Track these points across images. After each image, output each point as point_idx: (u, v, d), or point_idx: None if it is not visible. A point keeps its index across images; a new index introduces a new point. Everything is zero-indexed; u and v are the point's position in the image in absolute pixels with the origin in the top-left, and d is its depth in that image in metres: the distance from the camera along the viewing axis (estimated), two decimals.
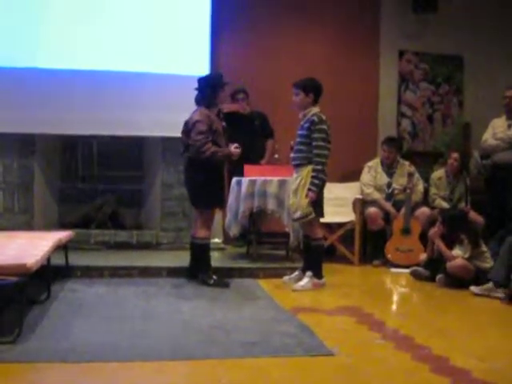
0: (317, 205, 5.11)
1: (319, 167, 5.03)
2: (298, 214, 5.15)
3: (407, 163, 6.87)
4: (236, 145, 5.28)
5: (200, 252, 5.29)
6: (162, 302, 4.58)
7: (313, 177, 5.02)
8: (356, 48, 7.73)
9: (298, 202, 5.12)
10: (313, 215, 5.11)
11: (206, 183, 5.20)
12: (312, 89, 5.15)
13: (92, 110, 6.28)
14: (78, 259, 5.54)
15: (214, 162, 5.19)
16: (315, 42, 7.60)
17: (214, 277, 5.19)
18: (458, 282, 5.30)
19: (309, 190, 5.02)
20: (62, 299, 4.53)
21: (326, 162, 5.08)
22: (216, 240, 6.77)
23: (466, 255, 5.34)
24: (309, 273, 5.17)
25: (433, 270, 5.57)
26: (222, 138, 5.26)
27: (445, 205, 6.70)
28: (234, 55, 7.27)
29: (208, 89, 5.24)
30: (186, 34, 6.54)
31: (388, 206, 6.64)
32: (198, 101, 5.29)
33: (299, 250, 5.97)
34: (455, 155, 6.85)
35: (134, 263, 5.61)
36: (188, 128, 5.19)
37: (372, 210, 6.58)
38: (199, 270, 5.26)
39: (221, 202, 5.46)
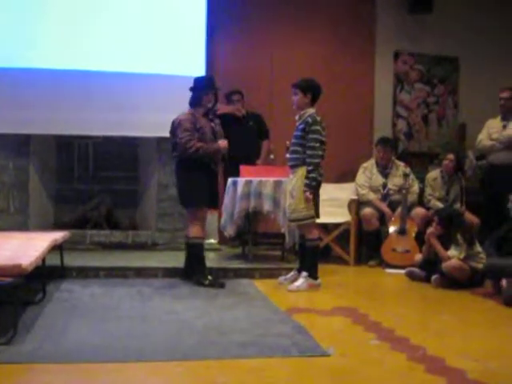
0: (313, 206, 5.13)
1: (310, 168, 5.04)
2: (294, 216, 5.16)
3: (402, 164, 6.87)
4: (223, 140, 5.33)
5: (193, 251, 5.31)
6: (157, 302, 4.58)
7: (306, 177, 5.04)
8: (352, 49, 7.74)
9: (294, 203, 5.13)
10: (311, 220, 5.13)
11: (193, 181, 5.25)
12: (311, 89, 5.16)
13: (87, 110, 6.29)
14: (73, 260, 5.53)
15: (202, 160, 5.21)
16: (311, 43, 7.60)
17: (209, 277, 5.20)
18: (454, 282, 5.32)
19: (304, 191, 5.04)
20: (57, 300, 4.52)
21: (320, 162, 5.09)
22: (212, 240, 6.78)
23: (462, 256, 5.35)
24: (304, 273, 5.17)
25: (428, 270, 5.58)
26: (207, 136, 5.27)
27: (440, 205, 6.71)
28: (230, 56, 7.27)
29: (195, 90, 5.33)
30: (182, 35, 6.54)
31: (383, 206, 6.65)
32: (189, 101, 5.38)
33: (295, 251, 5.98)
34: (450, 156, 6.86)
35: (129, 264, 5.61)
36: (174, 127, 5.28)
37: (367, 210, 6.59)
38: (193, 270, 5.26)
39: (211, 201, 5.42)
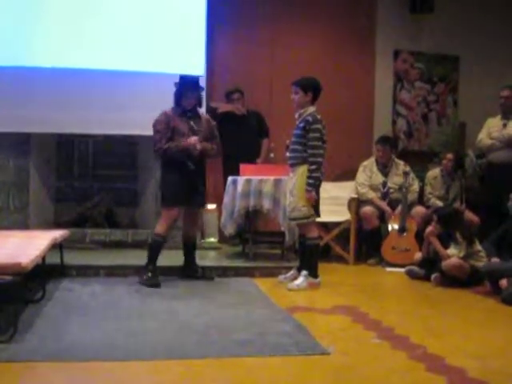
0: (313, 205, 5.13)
1: (314, 167, 5.04)
2: (294, 214, 5.16)
3: (402, 162, 6.87)
4: (193, 136, 5.21)
5: (149, 247, 5.34)
6: (157, 301, 4.58)
7: (308, 177, 5.04)
8: (352, 47, 7.74)
9: (294, 202, 5.12)
10: (312, 218, 5.13)
11: (165, 181, 5.32)
12: (311, 88, 5.15)
13: (87, 109, 6.27)
14: (73, 258, 5.53)
15: (178, 159, 5.16)
16: (311, 41, 7.60)
17: (149, 274, 5.16)
18: (454, 281, 5.32)
19: (306, 190, 5.04)
20: (57, 298, 4.52)
21: (321, 161, 5.09)
22: (212, 239, 6.78)
23: (461, 254, 5.35)
24: (304, 272, 5.16)
25: (428, 269, 5.58)
26: (182, 135, 5.20)
27: (440, 204, 6.72)
28: (230, 54, 7.27)
29: (177, 88, 5.31)
30: (182, 33, 6.53)
31: (383, 205, 6.65)
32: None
33: (295, 249, 5.98)
34: (450, 156, 6.86)
35: (129, 262, 5.61)
36: None
37: (367, 209, 6.59)
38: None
39: (187, 201, 5.27)
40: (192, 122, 5.29)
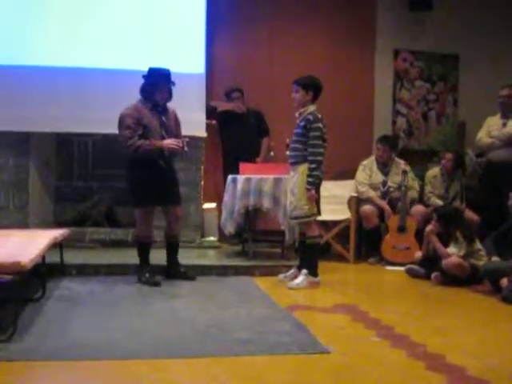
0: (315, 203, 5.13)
1: (314, 166, 5.04)
2: (296, 213, 5.16)
3: (402, 162, 6.86)
4: (172, 140, 5.06)
5: (137, 249, 5.31)
6: (157, 299, 4.58)
7: (308, 175, 5.04)
8: (352, 46, 7.73)
9: (296, 201, 5.12)
10: (313, 217, 5.13)
11: (136, 180, 5.14)
12: (312, 87, 5.15)
13: (86, 108, 6.26)
14: (73, 257, 5.53)
15: (150, 157, 5.02)
16: (311, 40, 7.60)
17: (147, 275, 5.14)
18: (454, 279, 5.32)
19: (306, 189, 5.04)
20: (57, 297, 4.52)
21: (322, 160, 5.09)
22: (211, 238, 6.77)
23: (461, 253, 5.35)
24: (304, 271, 5.16)
25: (428, 267, 5.58)
26: (154, 132, 5.06)
27: (440, 203, 6.71)
28: (230, 53, 7.27)
29: (149, 81, 5.13)
30: (182, 32, 6.53)
31: (383, 203, 6.64)
32: (140, 90, 5.19)
33: (295, 248, 5.97)
34: (449, 156, 6.84)
35: (129, 261, 5.60)
36: (118, 123, 5.10)
37: (367, 207, 6.58)
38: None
39: (159, 200, 5.21)
40: (163, 118, 5.17)
